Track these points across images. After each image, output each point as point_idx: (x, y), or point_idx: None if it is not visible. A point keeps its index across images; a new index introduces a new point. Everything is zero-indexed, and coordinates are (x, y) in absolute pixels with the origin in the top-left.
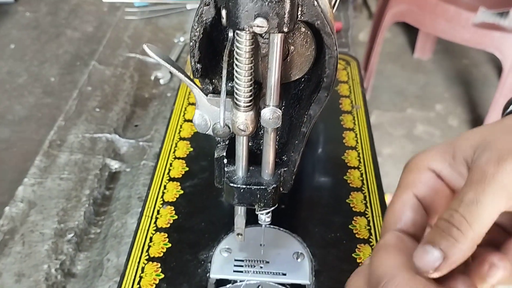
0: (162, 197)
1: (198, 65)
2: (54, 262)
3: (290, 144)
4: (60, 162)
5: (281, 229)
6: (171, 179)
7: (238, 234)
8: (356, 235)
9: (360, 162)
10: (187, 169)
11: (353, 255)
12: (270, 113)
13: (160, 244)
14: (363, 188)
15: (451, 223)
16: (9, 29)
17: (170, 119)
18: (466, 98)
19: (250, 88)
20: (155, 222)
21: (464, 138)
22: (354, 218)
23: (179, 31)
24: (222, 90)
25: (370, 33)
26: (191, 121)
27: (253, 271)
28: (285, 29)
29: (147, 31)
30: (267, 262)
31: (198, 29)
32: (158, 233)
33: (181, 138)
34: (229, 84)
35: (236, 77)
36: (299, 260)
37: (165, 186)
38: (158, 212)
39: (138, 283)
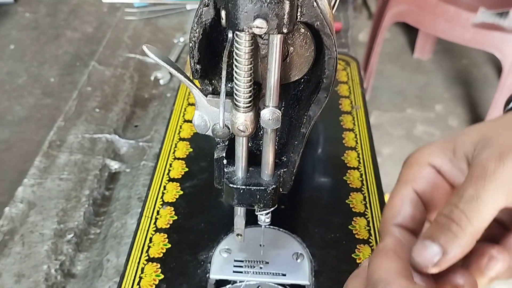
0: (162, 197)
1: (198, 66)
2: (54, 262)
3: (289, 144)
4: (59, 162)
5: (281, 229)
6: (171, 180)
7: (237, 235)
8: (356, 236)
9: (359, 162)
10: (186, 169)
11: (352, 255)
12: (270, 114)
13: (159, 245)
14: (362, 189)
15: (450, 219)
16: (8, 29)
17: (170, 119)
18: (466, 98)
19: (250, 89)
20: (154, 223)
21: (464, 134)
22: (354, 219)
23: (179, 32)
24: (222, 91)
25: (370, 34)
26: (190, 121)
27: (253, 272)
28: (285, 30)
29: (146, 31)
30: (267, 263)
31: (197, 30)
32: (157, 233)
33: (180, 139)
34: (229, 85)
35: (235, 78)
36: (298, 260)
37: (164, 187)
38: (158, 212)
39: (138, 283)
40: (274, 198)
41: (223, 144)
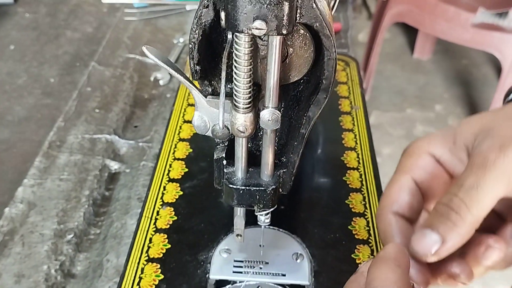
0: (161, 198)
1: (197, 67)
2: (54, 262)
3: (289, 145)
4: (59, 163)
5: (281, 230)
6: (171, 180)
7: (237, 235)
8: (356, 236)
9: (359, 163)
10: (186, 170)
11: (352, 255)
12: (269, 115)
13: (159, 245)
14: (362, 189)
15: (450, 207)
16: (8, 30)
17: (170, 120)
18: (465, 98)
19: (249, 89)
20: (154, 223)
21: (465, 124)
22: (354, 219)
23: (179, 32)
24: (221, 92)
25: (370, 34)
26: (190, 122)
27: (253, 272)
28: (284, 32)
29: (146, 32)
30: (267, 263)
31: (197, 31)
32: (157, 234)
33: (180, 139)
34: (228, 86)
35: (235, 79)
36: (298, 260)
37: (164, 187)
38: (157, 213)
39: (138, 283)
40: (273, 198)
41: (223, 145)
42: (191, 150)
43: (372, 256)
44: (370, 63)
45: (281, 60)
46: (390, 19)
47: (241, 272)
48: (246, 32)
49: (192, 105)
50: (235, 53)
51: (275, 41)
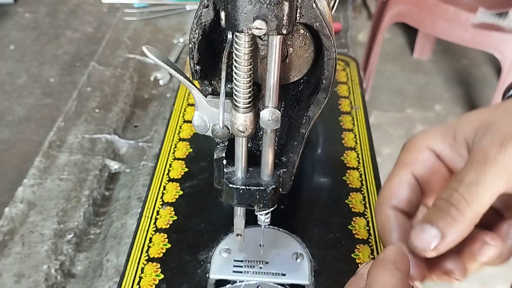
0: (161, 197)
1: (197, 66)
2: (54, 262)
3: (289, 145)
4: (59, 162)
5: (281, 229)
6: (171, 180)
7: (237, 235)
8: (355, 236)
9: (359, 162)
10: (186, 169)
11: (352, 255)
12: (269, 115)
13: (159, 245)
14: (362, 189)
15: (450, 203)
16: (8, 30)
17: (170, 119)
18: (465, 98)
19: (249, 89)
20: (154, 223)
21: (465, 119)
22: (353, 219)
23: (179, 32)
24: (221, 92)
25: (370, 34)
26: (190, 122)
27: (253, 272)
28: (284, 31)
29: (146, 32)
30: (267, 263)
31: (197, 31)
32: (157, 233)
33: (180, 139)
34: (228, 86)
35: (235, 78)
36: (298, 260)
37: (164, 187)
38: (157, 212)
39: (138, 283)
40: (273, 198)
41: (223, 145)
42: (191, 150)
43: (372, 256)
44: (370, 63)
45: (281, 60)
46: (390, 19)
47: (241, 272)
48: (246, 32)
49: (192, 105)
50: (235, 53)
51: (275, 41)
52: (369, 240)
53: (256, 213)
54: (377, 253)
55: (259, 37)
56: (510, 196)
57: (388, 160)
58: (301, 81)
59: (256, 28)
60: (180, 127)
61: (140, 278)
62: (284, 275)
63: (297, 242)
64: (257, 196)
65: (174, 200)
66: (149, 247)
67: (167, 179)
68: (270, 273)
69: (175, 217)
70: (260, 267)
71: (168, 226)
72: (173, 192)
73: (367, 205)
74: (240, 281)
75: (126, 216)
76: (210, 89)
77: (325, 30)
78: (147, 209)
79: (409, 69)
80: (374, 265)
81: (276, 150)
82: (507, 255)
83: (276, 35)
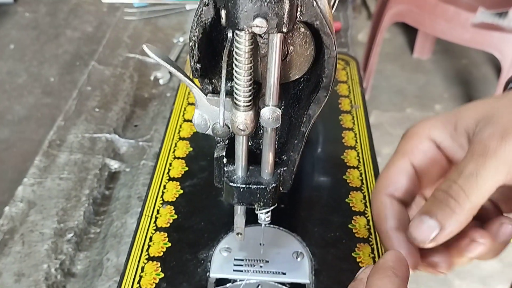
0: (161, 196)
1: (198, 65)
2: (54, 261)
3: (289, 143)
4: (59, 162)
5: (281, 228)
6: (171, 179)
7: (237, 234)
8: (356, 235)
9: (359, 161)
10: (186, 168)
11: (352, 254)
12: (270, 113)
13: (160, 244)
14: (362, 188)
15: (449, 194)
16: (8, 29)
17: (170, 119)
18: (465, 98)
19: (250, 88)
20: (154, 222)
21: (466, 110)
22: (354, 218)
23: (179, 31)
24: (222, 90)
25: (369, 33)
26: (190, 121)
27: (253, 271)
28: (284, 30)
29: (146, 31)
30: (267, 262)
31: (197, 30)
32: (158, 232)
33: (180, 138)
34: (229, 84)
35: (235, 77)
36: (298, 259)
37: (164, 186)
38: (157, 211)
39: (138, 282)
40: (274, 197)
41: (223, 143)
42: (191, 149)
43: (372, 255)
44: (370, 62)
45: (282, 58)
46: (390, 19)
47: (241, 271)
48: (246, 30)
49: (192, 104)
50: (235, 51)
51: (276, 39)
52: (370, 239)
53: (257, 212)
54: (378, 252)
55: (260, 35)
56: (508, 189)
57: (388, 159)
58: (302, 79)
59: (257, 26)
60: (180, 126)
61: (141, 277)
62: (285, 274)
63: (298, 241)
64: (258, 195)
65: (174, 199)
66: (149, 246)
67: (167, 178)
68: (270, 272)
69: (175, 216)
70: (261, 266)
71: (168, 225)
72: (173, 191)
73: (367, 204)
74: (240, 280)
75: (126, 215)
76: (210, 88)
77: (325, 28)
78: (147, 208)
79: (409, 68)
80: (374, 272)
81: (276, 148)
82: (496, 251)
83: (276, 33)
